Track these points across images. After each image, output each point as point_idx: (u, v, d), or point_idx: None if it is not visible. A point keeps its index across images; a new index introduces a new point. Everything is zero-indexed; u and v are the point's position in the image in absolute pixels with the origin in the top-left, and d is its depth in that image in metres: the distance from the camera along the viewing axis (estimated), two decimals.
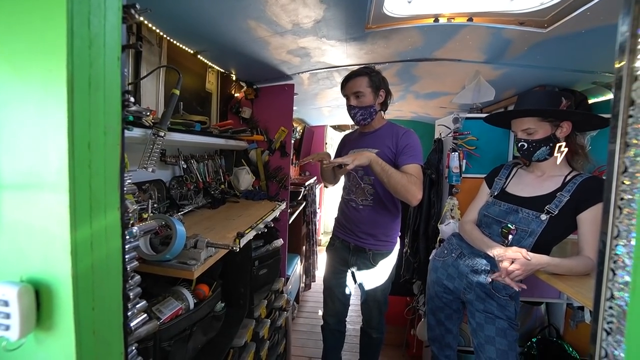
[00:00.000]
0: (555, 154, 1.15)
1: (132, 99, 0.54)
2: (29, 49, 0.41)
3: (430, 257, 1.53)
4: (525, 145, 1.16)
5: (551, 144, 1.13)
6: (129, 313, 0.55)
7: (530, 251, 1.11)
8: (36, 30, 0.41)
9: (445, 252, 1.41)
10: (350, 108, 1.48)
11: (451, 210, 1.71)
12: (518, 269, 1.04)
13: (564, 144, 1.14)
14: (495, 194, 1.29)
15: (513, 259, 1.06)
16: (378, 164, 1.30)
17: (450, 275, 1.34)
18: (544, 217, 1.11)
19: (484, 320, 1.22)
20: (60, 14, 0.40)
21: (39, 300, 0.43)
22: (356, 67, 1.64)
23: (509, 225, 1.16)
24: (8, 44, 0.42)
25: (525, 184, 1.24)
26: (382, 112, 1.55)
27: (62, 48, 0.40)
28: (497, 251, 1.13)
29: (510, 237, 1.16)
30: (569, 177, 1.14)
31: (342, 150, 1.70)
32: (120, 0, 0.49)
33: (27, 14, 0.41)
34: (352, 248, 1.57)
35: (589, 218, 1.06)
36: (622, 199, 0.43)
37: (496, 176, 1.34)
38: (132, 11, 0.52)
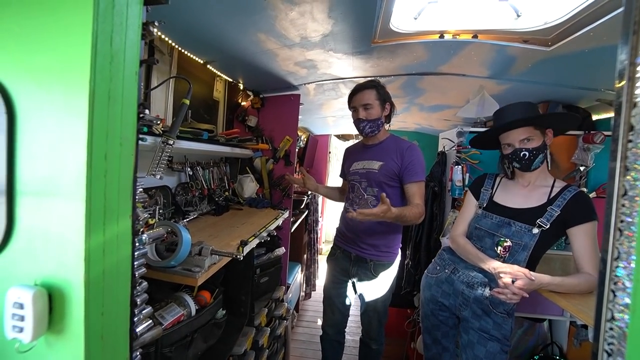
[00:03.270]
0: (544, 163, 1.19)
1: (147, 112, 0.56)
2: (54, 65, 0.44)
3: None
4: (527, 154, 1.15)
5: (544, 152, 1.16)
6: (135, 319, 0.56)
7: (525, 265, 1.12)
8: (62, 47, 0.43)
9: (438, 267, 1.38)
10: (359, 121, 1.50)
11: (453, 223, 1.71)
12: (521, 287, 1.03)
13: (548, 151, 1.18)
14: (485, 205, 1.28)
15: (515, 277, 1.06)
16: (393, 216, 1.27)
17: (445, 292, 1.32)
18: (535, 230, 1.12)
19: (477, 339, 1.20)
20: (85, 33, 0.42)
21: (51, 304, 0.44)
22: (362, 80, 1.67)
23: (505, 240, 1.16)
24: (35, 60, 0.44)
25: (514, 194, 1.24)
26: (386, 125, 1.58)
27: (86, 64, 0.42)
28: (495, 264, 1.12)
29: (502, 251, 1.16)
30: (556, 190, 1.15)
31: (345, 162, 1.72)
32: (140, 18, 0.52)
33: (55, 34, 0.43)
34: (353, 258, 1.57)
35: (581, 234, 1.08)
36: (622, 221, 0.43)
37: (482, 186, 1.33)
38: (151, 28, 0.55)
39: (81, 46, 0.42)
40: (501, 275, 1.08)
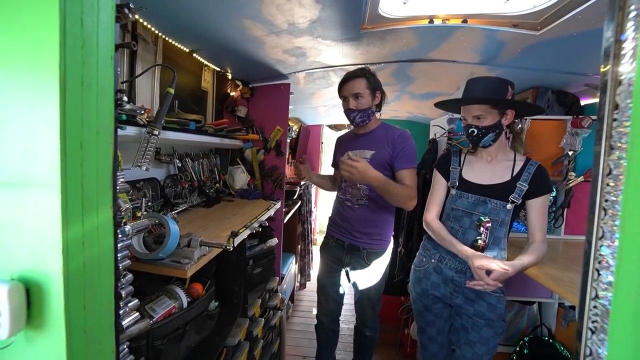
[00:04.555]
0: (502, 140, 1.22)
1: (125, 98, 0.54)
2: (21, 49, 0.41)
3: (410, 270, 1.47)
4: (475, 131, 1.18)
5: (497, 131, 1.18)
6: (121, 312, 0.55)
7: (507, 240, 1.18)
8: (29, 30, 0.41)
9: (424, 259, 1.36)
10: (349, 111, 1.48)
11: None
12: (496, 279, 1.06)
13: (507, 130, 1.22)
14: (457, 184, 1.27)
15: (489, 268, 1.07)
16: (381, 182, 1.29)
17: (435, 283, 1.30)
18: (509, 206, 1.15)
19: (471, 325, 1.22)
20: (52, 14, 0.40)
21: (29, 299, 0.43)
22: (352, 67, 1.64)
23: (482, 217, 1.18)
24: (1, 41, 0.42)
25: (480, 169, 1.26)
26: (377, 114, 1.57)
27: (55, 47, 0.40)
28: (468, 252, 1.14)
29: (483, 229, 1.17)
30: (518, 164, 1.19)
31: (337, 152, 1.71)
32: None
33: (20, 14, 0.41)
34: (346, 247, 1.58)
35: (539, 205, 1.15)
36: (606, 200, 0.43)
37: (449, 165, 1.32)
38: (126, 10, 0.52)
39: (49, 27, 0.40)
40: (477, 267, 1.09)
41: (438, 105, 1.36)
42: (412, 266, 1.43)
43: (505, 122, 1.17)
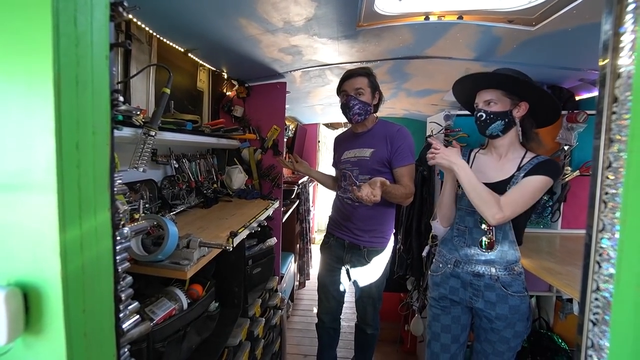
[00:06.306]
0: (514, 137, 1.18)
1: (121, 98, 0.53)
2: (13, 48, 0.40)
3: (428, 272, 1.42)
4: (484, 115, 1.16)
5: (506, 120, 1.14)
6: (121, 315, 0.55)
7: (514, 231, 1.16)
8: (20, 29, 0.40)
9: (441, 265, 1.31)
10: (350, 98, 1.47)
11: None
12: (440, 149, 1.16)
13: (518, 122, 1.17)
14: None
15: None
16: (386, 192, 1.33)
17: (454, 288, 1.26)
18: None
19: (490, 328, 1.19)
20: (45, 12, 0.39)
21: (27, 304, 0.42)
22: (348, 65, 1.64)
23: (483, 220, 1.16)
24: None
25: (488, 167, 1.23)
26: (375, 114, 1.57)
27: (48, 47, 0.39)
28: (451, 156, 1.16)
29: (490, 227, 1.16)
30: (525, 160, 1.16)
31: (336, 150, 1.71)
32: None
33: (11, 13, 0.40)
34: (347, 245, 1.58)
35: (522, 181, 1.10)
36: (606, 193, 0.44)
37: None
38: (120, 9, 0.51)
39: (41, 26, 0.39)
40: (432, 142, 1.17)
41: (455, 87, 1.34)
42: (429, 272, 1.39)
43: (517, 114, 1.15)
